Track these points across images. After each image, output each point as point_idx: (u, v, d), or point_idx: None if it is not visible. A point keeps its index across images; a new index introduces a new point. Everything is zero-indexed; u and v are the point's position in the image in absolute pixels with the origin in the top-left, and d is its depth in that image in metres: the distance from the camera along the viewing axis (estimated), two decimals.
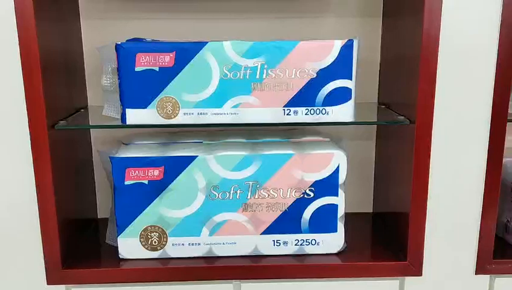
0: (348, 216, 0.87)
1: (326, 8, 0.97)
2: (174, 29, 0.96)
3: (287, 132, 0.95)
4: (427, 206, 0.83)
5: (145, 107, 0.79)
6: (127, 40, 0.80)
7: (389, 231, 0.96)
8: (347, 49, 0.78)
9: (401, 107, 0.87)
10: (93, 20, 0.95)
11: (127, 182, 0.81)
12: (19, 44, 0.75)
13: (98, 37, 0.95)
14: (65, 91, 0.88)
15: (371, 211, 1.07)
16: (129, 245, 0.84)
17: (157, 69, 0.77)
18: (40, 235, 0.81)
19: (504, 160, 0.85)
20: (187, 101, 0.79)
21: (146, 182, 0.81)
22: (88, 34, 0.96)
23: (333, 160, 0.82)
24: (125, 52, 0.77)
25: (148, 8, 0.95)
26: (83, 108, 0.96)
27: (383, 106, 0.96)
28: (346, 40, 0.78)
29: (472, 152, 0.83)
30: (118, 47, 0.77)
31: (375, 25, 0.98)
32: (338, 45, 0.78)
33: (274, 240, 0.85)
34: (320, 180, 0.83)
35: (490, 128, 0.82)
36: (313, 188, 0.83)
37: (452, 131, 0.82)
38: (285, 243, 0.85)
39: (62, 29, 0.88)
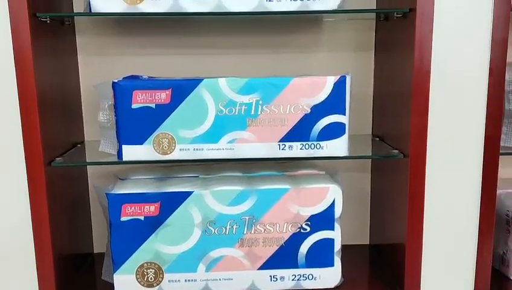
0: (344, 248, 0.87)
1: (320, 43, 0.99)
2: (170, 65, 0.98)
3: (283, 164, 0.96)
4: (423, 239, 0.83)
5: (142, 144, 0.79)
6: (123, 78, 0.81)
7: (385, 263, 0.95)
8: (340, 85, 0.79)
9: (395, 140, 0.88)
10: (90, 56, 0.97)
11: (123, 219, 0.81)
12: (17, 81, 0.76)
13: (95, 72, 0.97)
14: (62, 126, 0.89)
15: (368, 242, 1.07)
16: (125, 282, 0.83)
17: (153, 106, 0.78)
18: (36, 271, 0.81)
19: (498, 192, 0.86)
20: (183, 137, 0.79)
21: (142, 218, 0.81)
22: (85, 69, 0.97)
23: (329, 194, 0.83)
24: (122, 90, 0.78)
25: (145, 44, 0.97)
26: (79, 143, 0.97)
27: (377, 139, 0.97)
28: (338, 77, 0.79)
29: (466, 184, 0.84)
30: (114, 85, 0.78)
31: (368, 59, 1.00)
32: (331, 81, 0.79)
33: (271, 276, 0.85)
34: (316, 214, 0.83)
35: (483, 161, 0.83)
36: (309, 223, 0.83)
37: (446, 164, 0.83)
38: (282, 278, 0.85)
39: (59, 65, 0.89)
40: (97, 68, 0.97)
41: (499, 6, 0.77)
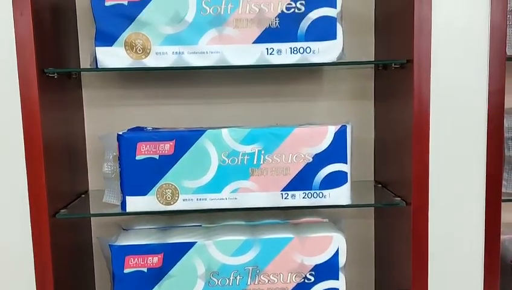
0: None
1: (320, 91, 1.01)
2: (174, 114, 0.99)
3: (286, 211, 0.96)
4: (428, 286, 0.82)
5: (145, 195, 0.80)
6: (128, 130, 0.83)
7: None
8: (341, 134, 0.80)
9: (397, 186, 0.89)
10: (95, 108, 0.99)
11: (126, 271, 0.81)
12: (24, 134, 0.78)
13: (100, 123, 0.99)
14: (67, 176, 0.90)
15: None
16: None
17: (157, 157, 0.80)
18: None
19: (502, 237, 0.86)
20: (186, 187, 0.80)
21: (145, 270, 0.81)
22: (91, 120, 0.99)
23: (332, 243, 0.82)
24: (127, 142, 0.79)
25: (149, 95, 0.99)
26: (84, 192, 0.98)
27: (380, 185, 0.98)
28: (339, 126, 0.81)
29: (469, 231, 0.83)
30: (119, 137, 0.80)
31: (368, 106, 1.01)
32: (332, 130, 0.80)
33: None
34: (320, 264, 0.82)
35: (485, 207, 0.83)
36: (313, 272, 0.82)
37: (448, 210, 0.83)
38: None
39: (65, 116, 0.91)
40: (102, 119, 0.99)
41: (495, 56, 0.79)
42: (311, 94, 1.01)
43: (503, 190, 0.85)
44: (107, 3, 0.80)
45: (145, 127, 0.86)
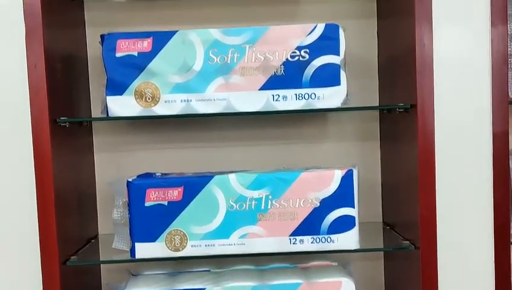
0: None
1: (326, 134, 1.02)
2: (183, 159, 1.01)
3: (295, 255, 0.96)
4: None
5: (154, 241, 0.81)
6: (137, 176, 0.84)
7: None
8: (347, 178, 0.81)
9: (406, 229, 0.89)
10: (105, 153, 1.01)
11: None
12: (36, 182, 0.79)
13: (110, 168, 1.00)
14: (77, 222, 0.91)
15: None
16: None
17: (166, 203, 0.81)
18: None
19: None
20: (195, 233, 0.81)
21: None
22: (101, 166, 1.01)
23: (342, 288, 0.82)
24: (136, 189, 0.81)
25: (158, 140, 1.01)
26: (93, 237, 0.99)
27: (388, 227, 0.98)
28: (346, 170, 0.81)
29: (479, 275, 0.83)
30: (129, 183, 0.81)
31: (374, 148, 1.02)
32: (339, 174, 0.81)
33: None
34: None
35: (495, 250, 0.82)
36: None
37: (457, 253, 0.83)
38: None
39: (76, 162, 0.93)
40: (112, 164, 1.01)
41: (497, 100, 0.81)
42: (317, 136, 1.03)
43: None
44: (117, 55, 0.83)
45: (154, 173, 0.88)
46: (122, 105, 0.83)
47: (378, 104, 1.01)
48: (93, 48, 0.97)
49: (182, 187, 0.81)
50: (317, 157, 1.02)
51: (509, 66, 0.86)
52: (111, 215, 0.87)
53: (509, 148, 0.83)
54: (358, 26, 1.00)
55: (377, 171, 1.03)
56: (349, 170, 0.82)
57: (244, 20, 0.99)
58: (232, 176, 0.81)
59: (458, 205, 0.82)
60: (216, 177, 0.81)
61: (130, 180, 0.81)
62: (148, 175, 0.87)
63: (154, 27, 0.97)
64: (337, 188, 0.81)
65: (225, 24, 0.98)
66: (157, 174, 0.87)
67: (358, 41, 0.99)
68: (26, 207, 0.80)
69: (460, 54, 0.81)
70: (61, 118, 0.81)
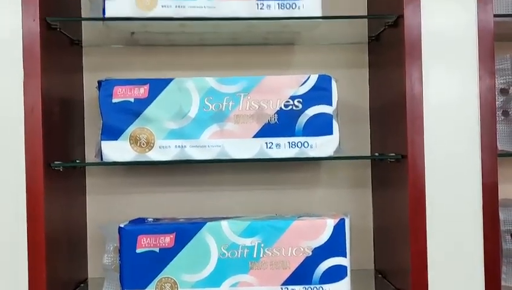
0: None
1: (319, 181, 1.03)
2: (176, 202, 1.01)
3: None
4: None
5: (144, 288, 0.80)
6: (129, 221, 0.84)
7: None
8: (340, 227, 0.82)
9: (397, 277, 0.89)
10: (98, 196, 1.01)
11: None
12: (27, 224, 0.78)
13: (102, 211, 1.00)
14: (67, 265, 0.90)
15: None
16: None
17: (157, 250, 0.80)
18: None
19: None
20: (185, 281, 0.80)
21: None
22: (92, 208, 1.00)
23: None
24: (127, 235, 0.80)
25: (151, 183, 1.01)
26: (83, 281, 0.97)
27: (380, 275, 0.97)
28: (338, 219, 0.82)
29: None
30: (120, 229, 0.81)
31: (366, 195, 1.03)
32: (331, 223, 0.82)
33: None
34: None
35: None
36: None
37: None
38: None
39: (68, 204, 0.92)
40: (104, 207, 1.00)
41: (487, 152, 0.82)
42: (310, 183, 1.03)
43: (503, 283, 0.85)
44: (114, 100, 0.84)
45: (146, 219, 0.87)
46: (117, 150, 0.84)
47: (369, 152, 1.02)
48: (90, 92, 0.98)
49: (174, 234, 0.81)
50: (309, 203, 1.02)
51: (497, 119, 0.88)
52: (101, 259, 0.86)
53: (499, 199, 0.84)
54: (351, 75, 1.02)
55: (369, 218, 1.03)
56: (342, 219, 0.82)
57: (240, 68, 1.02)
58: (224, 223, 0.81)
59: (449, 253, 0.82)
60: (208, 224, 0.81)
61: (122, 225, 0.81)
62: (140, 220, 0.86)
63: (151, 72, 0.99)
64: (330, 237, 0.81)
65: (221, 71, 1.00)
66: (149, 219, 0.87)
67: (351, 89, 1.02)
68: (16, 249, 0.79)
69: (450, 106, 0.83)
70: (56, 162, 0.82)
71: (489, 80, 0.82)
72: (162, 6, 0.82)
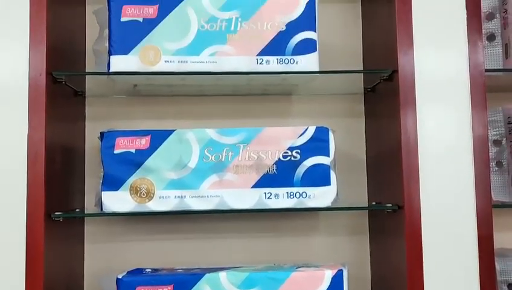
0: None
1: (317, 229, 1.04)
2: (175, 250, 1.01)
3: None
4: None
5: None
6: (127, 272, 0.84)
7: None
8: (337, 278, 0.82)
9: None
10: (96, 244, 1.00)
11: None
12: (25, 273, 0.78)
13: (100, 260, 0.99)
14: None
15: None
16: None
17: None
18: None
19: None
20: None
21: None
22: (90, 257, 1.00)
23: None
24: (125, 286, 0.80)
25: (149, 231, 1.01)
26: None
27: None
28: (336, 270, 0.82)
29: None
30: (118, 280, 0.81)
31: (364, 242, 1.04)
32: (329, 275, 0.82)
33: None
34: None
35: None
36: None
37: None
38: None
39: (66, 253, 0.92)
40: (102, 256, 1.00)
41: (481, 204, 0.83)
42: (308, 231, 1.04)
43: None
44: (116, 151, 0.85)
45: (144, 269, 0.87)
46: (117, 200, 0.84)
47: (367, 200, 1.03)
48: (91, 140, 1.00)
49: (172, 285, 0.81)
50: (308, 252, 1.02)
51: (491, 170, 0.90)
52: None
53: (495, 249, 0.84)
54: (347, 125, 1.05)
55: (367, 267, 1.03)
56: (339, 270, 0.82)
57: (239, 117, 1.04)
58: (222, 274, 0.82)
59: None
60: (207, 275, 0.81)
61: (120, 277, 0.81)
62: (138, 271, 0.86)
63: (152, 121, 1.02)
64: (328, 288, 0.81)
65: (220, 120, 1.03)
66: (147, 270, 0.87)
67: (348, 138, 1.04)
68: None
69: (445, 158, 0.85)
70: (56, 213, 0.82)
71: (482, 130, 0.84)
72: (165, 61, 0.85)
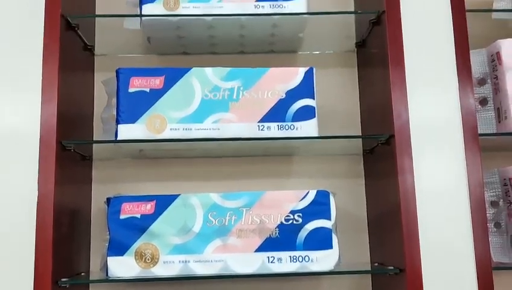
0: None
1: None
2: None
3: None
4: None
5: None
6: None
7: None
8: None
9: None
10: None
11: None
12: None
13: None
14: None
15: None
16: None
17: None
18: None
19: None
20: None
21: None
22: None
23: None
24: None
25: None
26: None
27: None
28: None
29: None
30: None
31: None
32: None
33: None
34: None
35: None
36: None
37: None
38: None
39: None
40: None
41: (482, 267, 0.84)
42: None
43: None
44: (121, 217, 0.87)
45: None
46: (122, 265, 0.86)
47: (369, 260, 1.04)
48: (97, 203, 1.03)
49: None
50: None
51: (490, 231, 0.91)
52: None
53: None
54: (348, 185, 1.07)
55: None
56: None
57: (242, 178, 1.07)
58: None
59: None
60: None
61: None
62: None
63: (157, 183, 1.04)
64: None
65: (224, 181, 1.05)
66: None
67: (348, 198, 1.06)
68: None
69: (444, 220, 0.87)
70: (63, 279, 0.83)
71: (479, 191, 0.86)
72: (171, 129, 0.89)
